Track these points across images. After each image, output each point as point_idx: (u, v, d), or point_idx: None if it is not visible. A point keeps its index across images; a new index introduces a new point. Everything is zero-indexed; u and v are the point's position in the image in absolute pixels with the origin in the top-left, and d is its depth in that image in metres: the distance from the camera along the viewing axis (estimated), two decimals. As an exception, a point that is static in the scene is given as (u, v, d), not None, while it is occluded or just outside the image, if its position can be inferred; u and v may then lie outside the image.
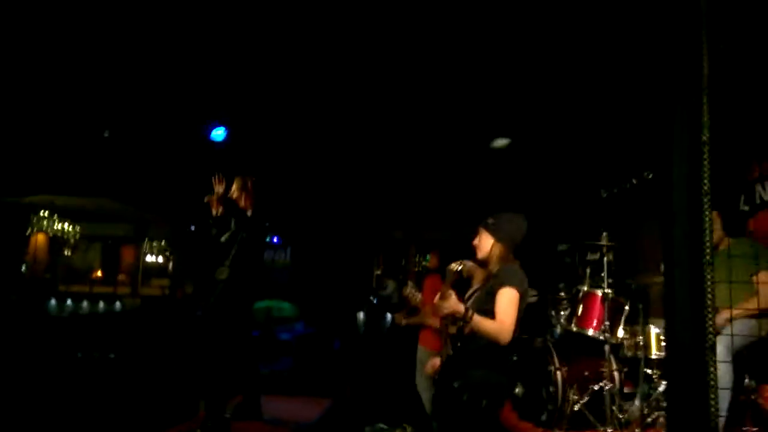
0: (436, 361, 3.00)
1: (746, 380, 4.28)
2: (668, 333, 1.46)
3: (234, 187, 4.52)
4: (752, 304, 3.77)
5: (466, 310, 2.65)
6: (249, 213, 4.48)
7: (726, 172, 5.14)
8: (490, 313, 2.71)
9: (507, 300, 2.68)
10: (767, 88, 4.52)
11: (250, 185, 4.53)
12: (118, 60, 5.75)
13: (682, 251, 1.38)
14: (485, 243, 2.93)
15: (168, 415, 5.00)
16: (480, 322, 2.65)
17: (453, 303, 2.66)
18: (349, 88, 6.30)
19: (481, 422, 2.70)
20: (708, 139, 1.41)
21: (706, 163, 1.39)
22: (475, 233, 3.01)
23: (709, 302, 1.35)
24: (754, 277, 3.93)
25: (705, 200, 1.38)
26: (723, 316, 3.56)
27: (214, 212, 4.42)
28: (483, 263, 2.96)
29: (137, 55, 5.66)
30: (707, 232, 1.38)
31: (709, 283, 1.36)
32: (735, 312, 3.64)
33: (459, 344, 2.80)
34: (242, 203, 4.48)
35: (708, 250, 1.37)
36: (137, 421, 5.00)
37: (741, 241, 4.35)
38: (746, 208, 5.06)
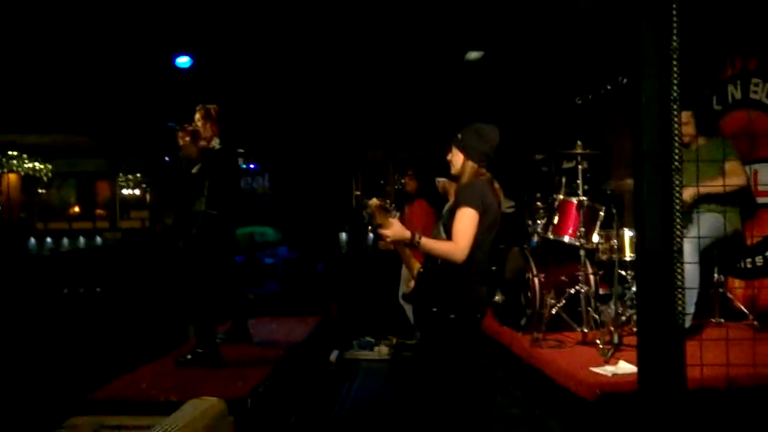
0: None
1: (715, 275, 4.48)
2: (638, 238, 1.51)
3: (196, 116, 4.42)
4: (717, 184, 3.94)
5: (413, 235, 2.65)
6: (216, 141, 4.40)
7: (698, 71, 5.14)
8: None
9: (461, 220, 2.70)
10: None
11: (213, 113, 4.42)
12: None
13: (650, 158, 1.41)
14: (456, 159, 2.91)
15: (158, 343, 5.12)
16: (429, 244, 2.69)
17: (396, 230, 2.66)
18: (319, 5, 6.10)
19: (455, 334, 2.80)
20: (677, 45, 1.41)
21: (675, 70, 1.39)
22: (448, 149, 3.00)
23: (676, 207, 1.39)
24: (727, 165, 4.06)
25: (674, 107, 1.39)
26: (689, 192, 3.71)
27: (180, 143, 4.33)
28: (456, 179, 2.96)
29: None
30: (675, 139, 1.40)
31: (677, 189, 1.40)
32: (701, 189, 3.80)
33: (428, 265, 2.86)
34: (204, 133, 4.38)
35: (676, 158, 1.40)
36: (128, 352, 5.11)
37: (714, 142, 4.43)
38: (719, 107, 5.11)
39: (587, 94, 7.29)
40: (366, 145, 12.52)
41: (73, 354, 5.47)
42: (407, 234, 2.67)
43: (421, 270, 2.90)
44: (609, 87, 6.75)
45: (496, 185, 2.93)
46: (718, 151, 4.07)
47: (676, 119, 1.40)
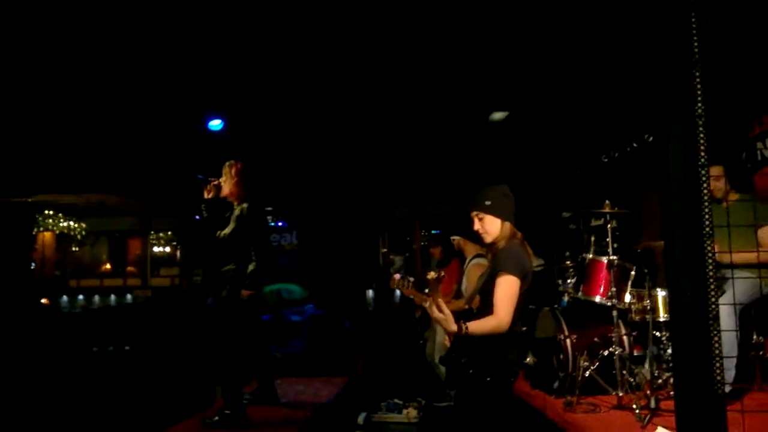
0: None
1: (754, 336, 4.33)
2: (672, 305, 1.48)
3: (223, 172, 4.50)
4: (751, 254, 3.83)
5: (460, 327, 2.64)
6: (239, 199, 4.47)
7: (727, 129, 5.13)
8: (491, 295, 2.75)
9: (503, 289, 2.70)
10: (763, 46, 4.48)
11: (234, 171, 4.48)
12: (115, 55, 5.74)
13: (681, 225, 1.40)
14: (492, 226, 2.88)
15: (185, 404, 5.09)
16: (476, 328, 2.67)
17: (449, 325, 2.64)
18: (347, 68, 6.28)
19: (489, 396, 2.75)
20: (702, 111, 1.42)
21: (701, 136, 1.40)
22: (470, 220, 2.99)
23: (710, 274, 1.37)
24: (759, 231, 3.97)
25: (702, 173, 1.39)
26: (723, 258, 3.62)
27: (206, 195, 4.40)
28: (491, 245, 2.94)
29: (133, 50, 5.64)
30: (706, 204, 1.40)
31: (709, 255, 1.38)
32: (734, 257, 3.69)
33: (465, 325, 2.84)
34: (227, 190, 4.45)
35: (707, 223, 1.39)
36: (155, 413, 5.09)
37: (744, 199, 4.36)
38: (749, 165, 5.06)
39: (614, 152, 7.29)
40: (392, 202, 12.63)
41: (100, 413, 5.46)
42: (455, 328, 2.64)
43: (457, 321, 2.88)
44: (635, 144, 6.75)
45: (527, 246, 2.93)
46: (750, 211, 4.00)
47: (705, 184, 1.40)
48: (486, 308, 2.81)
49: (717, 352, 1.36)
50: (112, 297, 15.81)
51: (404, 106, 7.47)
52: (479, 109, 7.64)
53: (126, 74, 6.32)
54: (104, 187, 11.83)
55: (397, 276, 5.24)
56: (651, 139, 6.34)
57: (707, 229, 1.39)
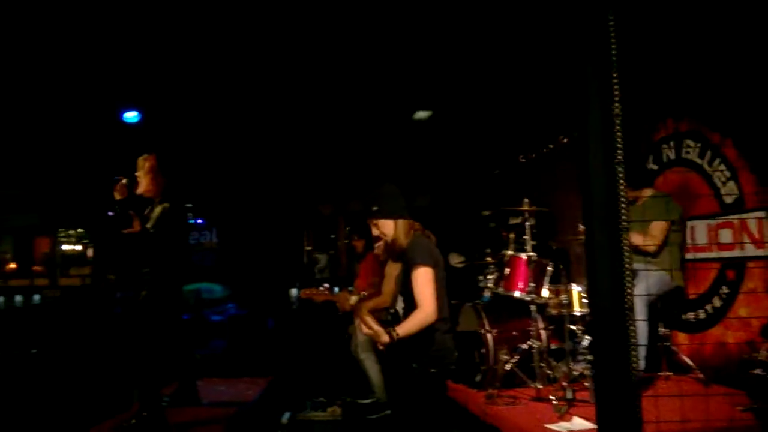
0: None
1: (661, 329, 4.60)
2: (590, 297, 1.55)
3: (138, 167, 4.29)
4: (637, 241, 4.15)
5: (390, 335, 2.69)
6: (157, 196, 4.28)
7: (633, 131, 5.40)
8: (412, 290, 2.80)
9: (419, 281, 2.77)
10: (671, 49, 4.75)
11: (148, 166, 4.24)
12: (27, 42, 5.41)
13: (600, 219, 1.46)
14: (387, 228, 2.96)
15: (100, 408, 4.87)
16: (406, 328, 2.73)
17: (380, 338, 2.71)
18: (269, 62, 6.18)
19: (433, 387, 2.81)
20: (620, 111, 1.49)
21: (618, 134, 1.47)
22: (368, 227, 3.04)
23: (627, 266, 1.44)
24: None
25: (619, 170, 1.46)
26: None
27: (117, 197, 4.19)
28: (392, 245, 2.99)
29: (46, 38, 5.34)
30: (622, 200, 1.47)
31: (626, 249, 1.46)
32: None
33: (393, 320, 2.89)
34: (143, 187, 4.26)
35: (624, 218, 1.46)
36: (68, 418, 4.86)
37: (658, 199, 4.62)
38: (655, 167, 5.36)
39: (531, 153, 7.54)
40: (316, 199, 12.54)
41: (10, 419, 5.16)
42: (386, 338, 2.70)
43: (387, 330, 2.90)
44: (551, 146, 7.00)
45: (428, 233, 3.01)
46: (660, 208, 4.26)
47: (621, 181, 1.47)
48: (411, 307, 2.85)
49: (633, 340, 1.43)
50: (18, 297, 14.88)
51: (329, 102, 7.44)
52: (403, 107, 7.71)
53: (37, 64, 5.98)
54: (8, 182, 11.13)
55: (308, 290, 5.26)
56: (566, 140, 6.61)
57: (624, 223, 1.46)
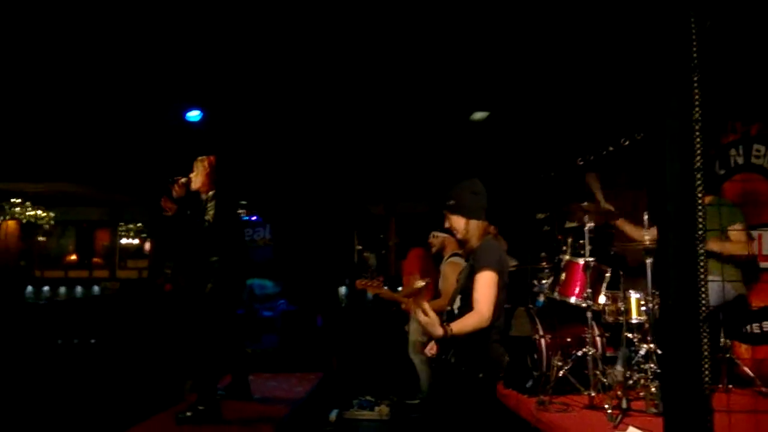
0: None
1: (721, 339, 4.43)
2: (662, 308, 1.50)
3: (194, 170, 4.43)
4: (716, 246, 4.03)
5: (445, 331, 2.65)
6: (209, 193, 4.40)
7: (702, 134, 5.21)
8: (471, 293, 2.76)
9: (482, 285, 2.72)
10: (740, 53, 4.57)
11: (207, 164, 4.42)
12: (90, 42, 5.61)
13: (675, 227, 1.41)
14: (458, 224, 2.92)
15: (153, 399, 5.00)
16: (459, 328, 2.68)
17: (434, 329, 2.65)
18: (326, 63, 6.23)
19: (479, 394, 2.78)
20: (700, 115, 1.44)
21: (698, 140, 1.42)
22: (443, 217, 3.00)
23: (701, 277, 1.39)
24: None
25: (698, 177, 1.41)
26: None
27: (174, 195, 4.32)
28: (464, 243, 2.96)
29: (109, 38, 5.52)
30: (700, 209, 1.42)
31: (701, 258, 1.40)
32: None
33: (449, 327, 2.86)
34: (198, 183, 4.39)
35: (701, 227, 1.41)
36: (122, 407, 5.00)
37: (721, 205, 4.46)
38: (722, 172, 5.16)
39: (589, 155, 7.38)
40: (367, 199, 12.61)
41: (66, 407, 5.35)
42: (440, 332, 2.65)
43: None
44: (611, 148, 6.84)
45: (500, 238, 2.98)
46: (724, 215, 4.10)
47: (700, 188, 1.42)
48: (468, 307, 2.82)
49: (706, 353, 1.38)
50: (78, 288, 15.48)
51: (383, 102, 7.45)
52: (458, 107, 7.65)
53: (100, 63, 6.18)
54: (73, 176, 11.58)
55: (364, 281, 5.20)
56: (627, 143, 6.44)
57: (700, 231, 1.41)
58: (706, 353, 1.38)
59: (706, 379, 1.38)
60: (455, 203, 2.91)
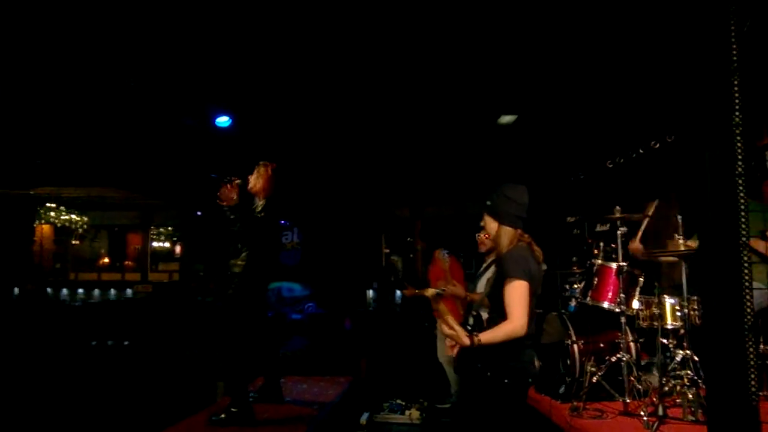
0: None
1: (761, 345, 4.33)
2: (706, 315, 1.48)
3: (255, 174, 4.51)
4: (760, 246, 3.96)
5: (472, 339, 2.63)
6: (263, 199, 4.46)
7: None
8: (500, 300, 2.73)
9: (513, 294, 2.68)
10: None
11: (270, 170, 4.51)
12: (121, 49, 5.71)
13: (718, 236, 1.39)
14: (491, 227, 2.88)
15: (185, 401, 5.06)
16: (490, 338, 2.66)
17: (461, 340, 2.64)
18: (352, 67, 6.26)
19: (507, 399, 2.75)
20: (740, 120, 1.42)
21: (739, 144, 1.40)
22: (481, 217, 2.97)
23: (747, 283, 1.37)
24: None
25: (740, 182, 1.39)
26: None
27: (224, 196, 4.38)
28: (494, 248, 2.94)
29: (140, 44, 5.61)
30: (743, 214, 1.40)
31: (746, 265, 1.38)
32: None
33: (476, 327, 2.85)
34: (258, 187, 4.46)
35: (744, 233, 1.39)
36: (155, 409, 5.07)
37: (757, 207, 4.37)
38: (758, 174, 5.06)
39: (619, 158, 7.29)
40: (393, 202, 12.61)
41: (100, 409, 5.44)
42: (467, 341, 2.64)
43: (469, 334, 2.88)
44: (641, 151, 6.75)
45: (535, 247, 2.91)
46: (758, 217, 4.02)
47: (742, 194, 1.40)
48: (496, 312, 2.80)
49: (752, 362, 1.36)
50: (112, 291, 15.77)
51: (410, 106, 7.45)
52: (483, 110, 7.61)
53: (130, 68, 6.29)
54: (106, 181, 11.79)
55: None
56: (657, 146, 6.35)
57: (744, 238, 1.38)
58: (752, 363, 1.36)
59: (753, 389, 1.36)
60: (491, 204, 2.88)
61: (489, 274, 4.79)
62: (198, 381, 5.92)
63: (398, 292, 11.09)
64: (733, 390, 1.35)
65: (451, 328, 2.64)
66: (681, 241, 4.20)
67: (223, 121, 6.87)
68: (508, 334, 2.65)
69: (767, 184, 4.95)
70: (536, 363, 4.96)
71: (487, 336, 2.66)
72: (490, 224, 2.88)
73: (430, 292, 2.72)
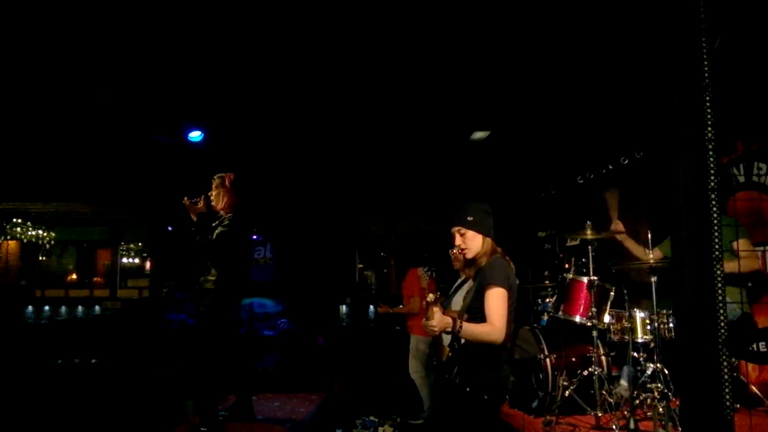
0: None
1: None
2: (679, 331, 1.49)
3: (215, 191, 4.44)
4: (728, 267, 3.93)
5: (454, 321, 2.60)
6: (228, 212, 4.39)
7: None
8: (481, 310, 2.72)
9: (494, 300, 2.68)
10: (743, 67, 4.59)
11: (228, 182, 4.44)
12: (91, 62, 5.63)
13: (691, 249, 1.41)
14: (474, 242, 2.88)
15: (155, 419, 4.95)
16: (469, 329, 2.65)
17: (440, 321, 2.58)
18: (325, 83, 6.25)
19: (483, 415, 2.74)
20: (713, 135, 1.44)
21: (712, 160, 1.41)
22: (451, 234, 2.96)
23: (720, 299, 1.38)
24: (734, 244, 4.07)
25: (713, 196, 1.41)
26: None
27: (193, 218, 4.32)
28: (471, 261, 2.93)
29: (111, 57, 5.54)
30: (716, 228, 1.41)
31: (719, 280, 1.39)
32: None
33: (456, 345, 2.83)
34: (219, 204, 4.39)
35: (717, 248, 1.40)
36: (124, 429, 4.95)
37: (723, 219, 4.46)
38: (724, 190, 5.18)
39: (589, 174, 7.39)
40: (367, 218, 12.60)
41: (65, 429, 5.29)
42: (449, 322, 2.60)
43: (449, 351, 2.87)
44: (611, 167, 6.85)
45: (508, 259, 2.93)
46: (729, 231, 4.09)
47: (715, 208, 1.41)
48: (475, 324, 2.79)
49: (727, 377, 1.36)
50: (80, 308, 15.42)
51: (383, 121, 7.47)
52: (458, 127, 7.67)
53: (101, 82, 6.20)
54: (75, 196, 11.58)
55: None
56: (626, 161, 6.46)
57: (716, 252, 1.40)
58: (726, 377, 1.37)
59: (728, 404, 1.37)
60: (473, 219, 2.89)
61: (466, 288, 4.80)
62: (167, 399, 5.80)
63: (371, 308, 11.05)
64: (709, 405, 1.36)
65: (432, 317, 2.58)
66: (651, 256, 4.26)
67: (195, 135, 6.79)
68: (487, 334, 2.64)
69: (732, 200, 5.07)
70: (510, 378, 4.98)
71: (469, 328, 2.63)
72: (474, 239, 2.88)
73: (431, 297, 2.66)
